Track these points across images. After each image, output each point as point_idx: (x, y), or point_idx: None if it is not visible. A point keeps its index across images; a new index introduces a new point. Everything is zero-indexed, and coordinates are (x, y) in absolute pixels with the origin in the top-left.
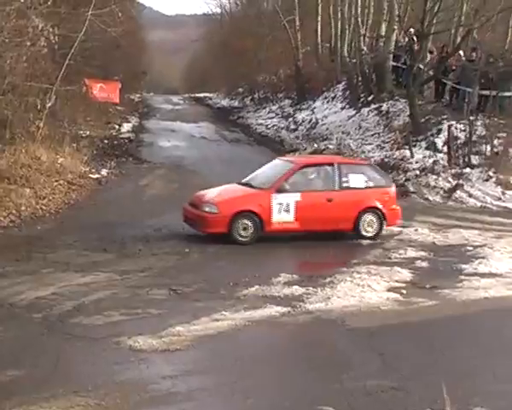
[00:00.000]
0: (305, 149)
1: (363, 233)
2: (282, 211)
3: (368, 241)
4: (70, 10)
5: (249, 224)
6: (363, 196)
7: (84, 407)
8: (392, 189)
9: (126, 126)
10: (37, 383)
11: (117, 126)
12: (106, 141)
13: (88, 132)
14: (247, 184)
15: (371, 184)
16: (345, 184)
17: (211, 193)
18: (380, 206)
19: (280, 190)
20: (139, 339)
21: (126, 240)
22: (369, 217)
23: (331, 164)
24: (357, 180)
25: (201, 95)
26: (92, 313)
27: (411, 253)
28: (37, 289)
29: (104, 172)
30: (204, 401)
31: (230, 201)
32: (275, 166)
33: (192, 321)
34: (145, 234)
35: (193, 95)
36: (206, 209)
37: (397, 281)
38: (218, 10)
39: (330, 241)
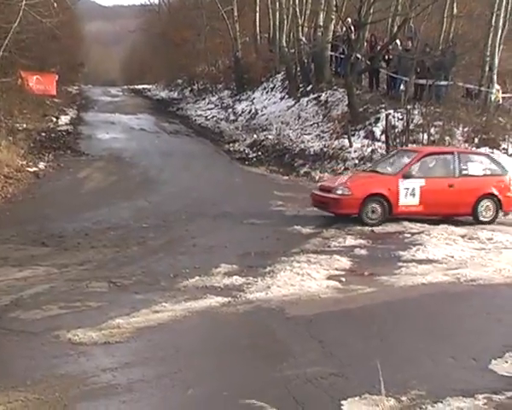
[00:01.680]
0: (245, 140)
1: (481, 218)
2: (409, 195)
3: (307, 230)
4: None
5: (378, 207)
6: (481, 183)
7: (23, 401)
8: (507, 177)
9: (64, 119)
10: None
11: (54, 119)
12: (43, 134)
13: (25, 125)
14: (373, 171)
15: (488, 172)
16: (464, 172)
17: (341, 179)
18: (496, 192)
19: (407, 176)
20: (78, 332)
21: (65, 233)
22: (486, 203)
23: (452, 153)
24: (475, 168)
25: (140, 86)
26: (30, 307)
27: (350, 241)
28: None
29: (42, 165)
30: (144, 393)
31: (362, 184)
32: (399, 155)
33: (132, 313)
34: (84, 227)
35: (132, 86)
36: (339, 192)
37: (336, 269)
38: (156, 1)
39: (270, 231)
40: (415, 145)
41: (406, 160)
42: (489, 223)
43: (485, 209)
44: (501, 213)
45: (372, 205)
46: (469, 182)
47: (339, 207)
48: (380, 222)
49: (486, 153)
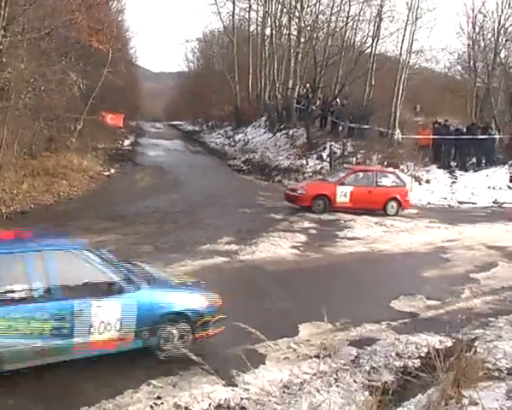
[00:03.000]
0: (241, 158)
1: (389, 212)
2: (342, 196)
3: (279, 217)
4: (93, 69)
5: (322, 202)
6: (389, 190)
7: None
8: (406, 187)
9: (127, 142)
10: None
11: (121, 142)
12: (114, 151)
13: (103, 145)
14: (323, 180)
15: (394, 184)
16: (379, 183)
17: (302, 183)
18: (398, 197)
19: (342, 184)
20: None
21: (126, 214)
22: (392, 203)
23: (372, 171)
24: (386, 181)
25: (175, 122)
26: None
27: (306, 224)
28: None
29: (112, 170)
30: None
31: (313, 188)
32: (341, 170)
33: (167, 266)
34: (138, 210)
35: (170, 122)
36: (300, 192)
37: (296, 242)
38: (186, 69)
39: (255, 217)
40: (350, 165)
41: (342, 174)
42: (393, 215)
43: (391, 207)
44: (401, 209)
45: (318, 201)
46: (381, 189)
47: (299, 201)
48: (323, 211)
49: (394, 171)
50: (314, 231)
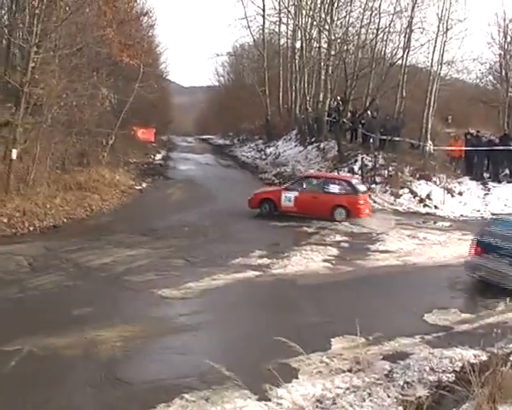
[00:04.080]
0: (272, 172)
1: (336, 219)
2: (287, 200)
3: (311, 230)
4: (124, 84)
5: (267, 205)
6: (335, 197)
7: (132, 332)
8: (358, 195)
9: (158, 156)
10: (102, 317)
11: (152, 156)
12: (145, 165)
13: (134, 160)
14: (274, 185)
15: (344, 191)
16: (326, 190)
17: (258, 190)
18: (345, 204)
19: (287, 189)
20: (165, 290)
21: (158, 228)
22: (339, 210)
23: (320, 177)
24: (334, 188)
25: (205, 136)
26: (136, 273)
27: (338, 238)
28: (102, 258)
29: (144, 185)
30: (207, 330)
31: (261, 193)
32: (297, 178)
33: (199, 280)
34: (170, 225)
35: (200, 136)
36: (251, 196)
37: (328, 255)
38: (217, 83)
39: (287, 230)
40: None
41: (293, 180)
42: (340, 222)
43: (339, 214)
44: (352, 217)
45: (265, 204)
46: (328, 196)
47: (250, 204)
48: (268, 213)
49: (348, 179)
50: (346, 245)
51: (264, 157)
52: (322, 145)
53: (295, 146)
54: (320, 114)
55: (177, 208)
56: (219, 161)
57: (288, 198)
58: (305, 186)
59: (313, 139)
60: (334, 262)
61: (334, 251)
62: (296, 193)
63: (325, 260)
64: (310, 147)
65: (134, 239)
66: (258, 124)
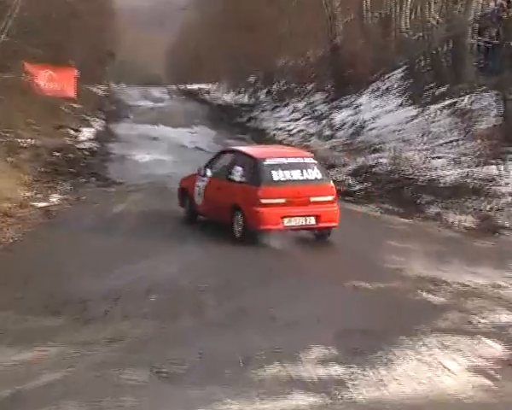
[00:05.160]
0: (347, 166)
1: (235, 233)
2: (198, 195)
3: (439, 299)
4: None
5: (187, 202)
6: (235, 190)
7: None
8: (259, 187)
9: (87, 132)
10: None
11: (73, 132)
12: (57, 153)
13: (31, 141)
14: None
15: (244, 179)
16: (230, 176)
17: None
18: (241, 205)
19: (201, 174)
20: None
21: (87, 297)
22: (237, 215)
23: (230, 152)
24: (237, 173)
25: (194, 86)
26: (36, 405)
27: (504, 317)
28: None
29: (55, 198)
30: None
31: (186, 178)
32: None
33: None
34: (114, 288)
35: (182, 86)
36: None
37: (481, 358)
38: None
39: (383, 299)
40: None
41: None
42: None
43: (237, 223)
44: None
45: (185, 199)
46: (229, 188)
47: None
48: (190, 218)
49: (251, 154)
50: None
51: (328, 133)
52: (463, 103)
53: (400, 106)
54: (460, 32)
55: (130, 253)
56: (227, 142)
57: (199, 190)
58: (214, 169)
59: (442, 90)
60: (495, 376)
61: (495, 349)
62: (206, 181)
63: (475, 371)
64: (434, 107)
65: (30, 324)
66: (315, 57)
